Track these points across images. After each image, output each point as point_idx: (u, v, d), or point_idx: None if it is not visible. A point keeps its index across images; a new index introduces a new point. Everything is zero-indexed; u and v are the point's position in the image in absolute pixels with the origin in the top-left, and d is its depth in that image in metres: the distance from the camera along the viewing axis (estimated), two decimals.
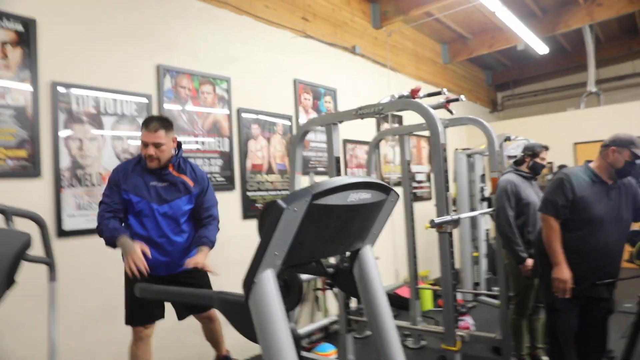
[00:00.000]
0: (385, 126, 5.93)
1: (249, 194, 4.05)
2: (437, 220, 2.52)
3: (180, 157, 2.62)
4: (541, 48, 6.77)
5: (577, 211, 2.53)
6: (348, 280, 2.16)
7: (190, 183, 2.59)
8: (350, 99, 5.29)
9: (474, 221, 5.32)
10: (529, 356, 3.27)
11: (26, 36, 2.73)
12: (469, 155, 5.35)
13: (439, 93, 3.28)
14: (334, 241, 1.94)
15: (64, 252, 2.66)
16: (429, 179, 6.87)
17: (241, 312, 1.67)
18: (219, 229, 2.71)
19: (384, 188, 1.95)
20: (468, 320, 4.15)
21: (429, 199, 6.76)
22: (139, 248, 2.34)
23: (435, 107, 3.51)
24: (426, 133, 6.71)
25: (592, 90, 7.57)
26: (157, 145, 2.46)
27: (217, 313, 2.64)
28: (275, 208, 1.49)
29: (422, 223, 5.87)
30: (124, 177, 2.49)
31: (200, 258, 2.47)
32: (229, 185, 3.89)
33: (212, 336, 2.90)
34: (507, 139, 4.82)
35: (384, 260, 5.34)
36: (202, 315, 2.77)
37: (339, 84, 5.27)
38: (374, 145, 4.15)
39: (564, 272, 2.51)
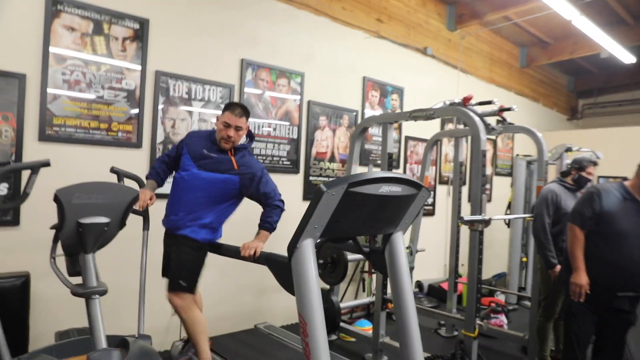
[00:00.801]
0: (450, 126, 6.11)
1: (311, 178, 4.50)
2: (467, 218, 2.80)
3: (248, 147, 2.86)
4: (627, 57, 6.54)
5: (603, 224, 2.70)
6: (380, 259, 2.56)
7: (235, 166, 2.71)
8: (417, 98, 5.53)
9: (526, 226, 5.41)
10: (551, 358, 3.45)
11: (140, 32, 3.34)
12: (529, 162, 5.42)
13: (489, 102, 3.48)
14: (366, 224, 2.36)
15: (153, 212, 3.25)
16: (489, 182, 6.95)
17: (285, 270, 2.13)
18: (281, 213, 2.77)
19: (414, 184, 2.32)
20: (502, 319, 4.35)
21: (489, 201, 6.85)
22: (149, 193, 2.60)
23: (488, 115, 3.71)
24: (491, 137, 6.80)
25: None
26: (237, 129, 2.67)
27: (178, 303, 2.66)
28: (317, 190, 1.94)
29: None
30: (190, 138, 2.82)
31: (255, 244, 2.49)
32: (294, 169, 4.36)
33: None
34: (569, 149, 4.86)
35: (433, 254, 5.59)
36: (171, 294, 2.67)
37: (407, 83, 5.54)
38: (431, 145, 4.42)
39: (581, 278, 2.70)
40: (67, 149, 3.08)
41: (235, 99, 3.90)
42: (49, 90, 3.00)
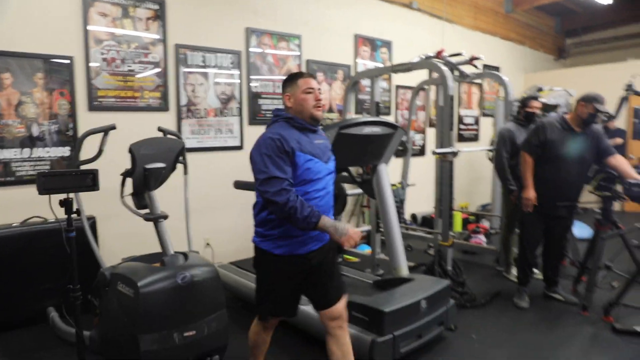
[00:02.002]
0: (435, 75, 6.67)
1: None
2: (439, 150, 3.50)
3: None
4: None
5: (547, 150, 3.39)
6: (369, 186, 3.29)
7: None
8: (405, 51, 6.09)
9: None
10: (514, 262, 4.22)
11: (160, 12, 3.95)
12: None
13: (459, 54, 4.07)
14: (356, 157, 3.09)
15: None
16: (476, 122, 7.58)
17: None
18: None
19: (391, 125, 3.02)
20: (481, 238, 5.14)
21: (475, 140, 7.52)
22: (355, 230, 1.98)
23: (462, 64, 4.31)
24: (478, 81, 7.35)
25: None
26: (320, 91, 2.19)
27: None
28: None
29: (466, 160, 6.75)
30: (287, 140, 2.01)
31: (350, 231, 1.98)
32: None
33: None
34: (540, 89, 5.46)
35: (426, 190, 6.29)
36: (334, 313, 2.19)
37: (395, 36, 6.09)
38: (415, 92, 5.05)
39: (529, 193, 3.44)
40: (110, 115, 3.77)
41: (243, 64, 4.53)
42: (92, 68, 3.66)
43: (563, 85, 5.71)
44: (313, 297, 2.22)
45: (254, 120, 4.64)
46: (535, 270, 3.89)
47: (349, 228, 1.94)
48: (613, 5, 7.99)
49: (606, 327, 3.21)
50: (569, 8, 9.00)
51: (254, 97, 4.64)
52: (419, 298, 2.71)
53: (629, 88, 5.27)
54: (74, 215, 2.13)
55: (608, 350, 2.94)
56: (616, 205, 3.69)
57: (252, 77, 4.61)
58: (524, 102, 4.02)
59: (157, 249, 2.76)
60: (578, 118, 3.37)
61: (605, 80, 7.03)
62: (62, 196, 1.98)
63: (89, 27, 3.62)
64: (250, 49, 4.58)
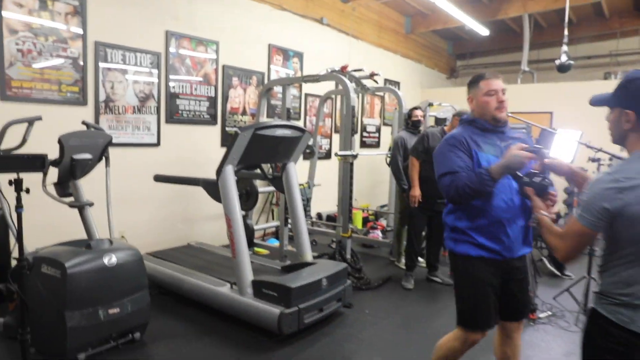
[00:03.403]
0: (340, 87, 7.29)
1: (227, 128, 5.48)
2: (340, 152, 4.03)
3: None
4: (482, 30, 8.08)
5: (428, 155, 4.06)
6: (279, 182, 3.70)
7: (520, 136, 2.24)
8: (316, 61, 6.62)
9: None
10: (405, 252, 4.88)
11: (80, 8, 4.04)
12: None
13: (361, 70, 4.66)
14: (268, 156, 3.50)
15: None
16: (378, 131, 8.36)
17: (214, 187, 3.20)
18: None
19: (299, 129, 3.46)
20: (378, 233, 5.80)
21: (377, 146, 8.29)
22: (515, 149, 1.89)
23: (364, 78, 4.92)
24: (380, 93, 8.08)
25: (525, 69, 8.97)
26: (504, 92, 2.12)
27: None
28: (235, 132, 3.01)
29: (368, 165, 7.44)
30: (467, 141, 2.09)
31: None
32: (212, 121, 5.32)
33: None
34: (430, 104, 6.27)
35: (331, 191, 6.85)
36: (514, 324, 2.22)
37: (307, 48, 6.60)
38: (323, 101, 5.59)
39: (415, 191, 4.12)
40: (26, 106, 3.79)
41: (162, 64, 4.72)
42: (6, 57, 3.67)
43: (454, 101, 6.56)
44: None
45: (172, 119, 4.85)
46: (420, 259, 4.59)
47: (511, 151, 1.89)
48: (491, 37, 9.26)
49: None
50: (459, 35, 10.22)
51: (172, 97, 4.85)
52: (320, 277, 3.18)
53: None
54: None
55: None
56: None
57: (170, 77, 4.82)
58: (409, 113, 4.73)
59: (69, 239, 2.93)
60: (452, 129, 4.09)
61: None
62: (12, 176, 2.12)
63: (3, 16, 3.63)
64: (170, 51, 4.79)
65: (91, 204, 2.84)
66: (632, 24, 8.68)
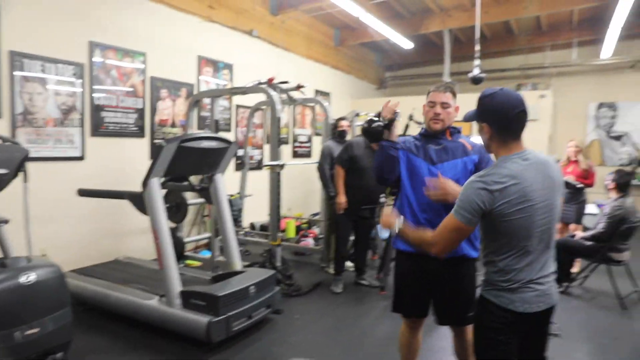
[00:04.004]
0: None
1: (155, 141, 5.42)
2: (268, 163, 4.16)
3: (458, 132, 2.50)
4: (407, 44, 8.54)
5: (353, 163, 4.29)
6: (207, 193, 3.74)
7: (469, 147, 2.42)
8: (246, 73, 6.70)
9: None
10: (334, 258, 5.07)
11: None
12: None
13: (286, 82, 4.82)
14: (195, 167, 3.55)
15: None
16: (309, 140, 8.57)
17: (140, 199, 3.21)
18: None
19: (225, 141, 3.54)
20: (310, 241, 5.96)
21: (309, 156, 8.48)
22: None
23: (290, 90, 5.08)
24: (311, 104, 8.29)
25: (447, 80, 9.56)
26: (444, 106, 2.36)
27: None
28: (160, 144, 3.04)
29: (302, 175, 7.60)
30: (412, 143, 2.46)
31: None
32: (140, 133, 5.25)
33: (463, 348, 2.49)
34: (357, 114, 6.53)
35: (263, 201, 6.92)
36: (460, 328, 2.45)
37: (237, 60, 6.67)
38: (252, 112, 5.71)
39: (341, 198, 4.33)
40: None
41: (86, 77, 4.62)
42: None
43: (366, 112, 6.84)
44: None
45: (97, 132, 4.74)
46: (349, 264, 4.79)
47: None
48: (416, 49, 9.76)
49: None
50: (385, 47, 10.67)
51: (97, 109, 4.75)
52: (248, 284, 3.26)
53: (411, 117, 6.48)
54: None
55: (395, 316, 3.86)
56: None
57: (95, 88, 4.71)
58: (336, 123, 4.95)
59: None
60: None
61: (413, 108, 8.67)
62: None
63: None
64: (94, 61, 4.69)
65: (6, 221, 2.76)
66: (537, 41, 9.55)
